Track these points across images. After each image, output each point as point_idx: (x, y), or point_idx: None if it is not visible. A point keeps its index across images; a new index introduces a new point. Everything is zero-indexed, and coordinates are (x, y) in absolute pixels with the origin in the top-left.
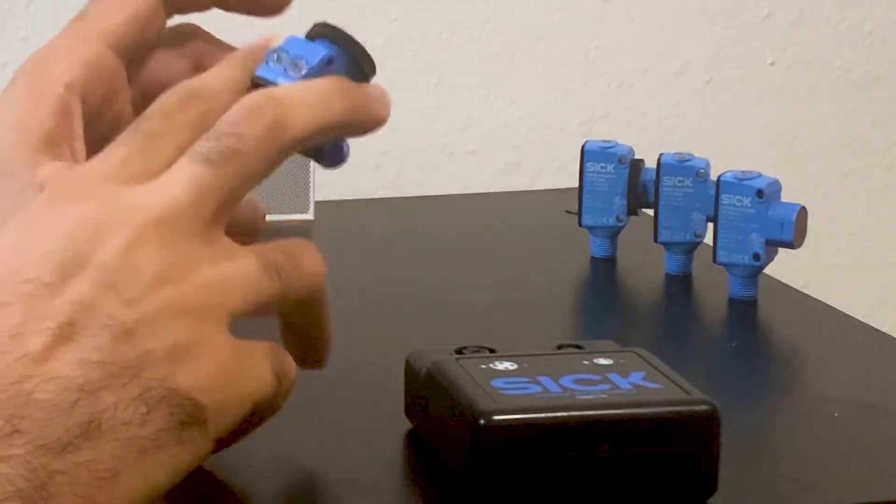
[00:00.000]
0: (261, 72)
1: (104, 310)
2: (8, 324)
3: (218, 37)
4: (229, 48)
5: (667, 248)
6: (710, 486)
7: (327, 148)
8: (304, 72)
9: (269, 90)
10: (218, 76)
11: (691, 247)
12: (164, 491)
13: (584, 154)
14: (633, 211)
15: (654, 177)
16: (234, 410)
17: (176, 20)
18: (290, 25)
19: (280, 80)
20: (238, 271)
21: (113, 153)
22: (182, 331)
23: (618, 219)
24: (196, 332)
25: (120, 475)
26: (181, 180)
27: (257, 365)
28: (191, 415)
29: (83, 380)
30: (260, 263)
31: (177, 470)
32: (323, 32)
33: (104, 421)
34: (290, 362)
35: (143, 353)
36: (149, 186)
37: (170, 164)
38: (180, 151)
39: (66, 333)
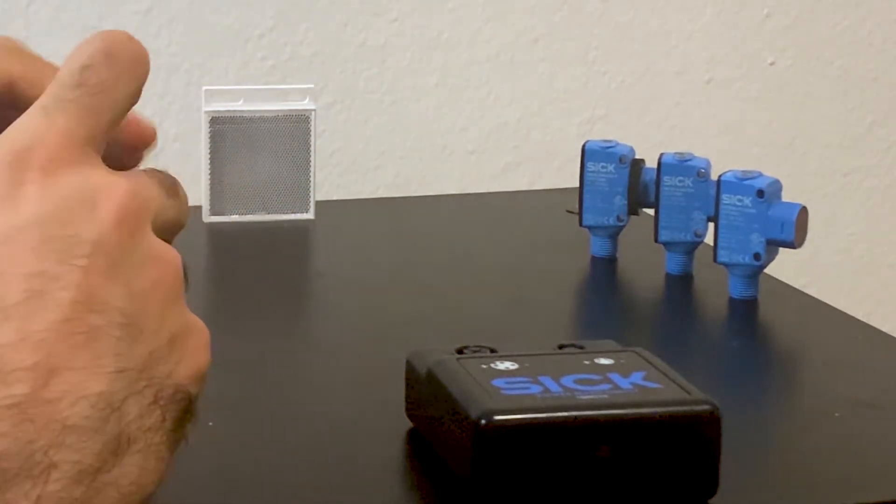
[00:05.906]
0: None
1: (112, 302)
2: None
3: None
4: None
5: (667, 248)
6: (711, 486)
7: None
8: None
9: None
10: None
11: (692, 247)
12: None
13: (585, 154)
14: (633, 211)
15: (654, 177)
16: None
17: None
18: (289, 24)
19: None
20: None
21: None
22: (173, 318)
23: (618, 218)
24: (180, 315)
25: (144, 487)
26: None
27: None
28: (187, 408)
29: (108, 393)
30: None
31: (174, 458)
32: None
33: (131, 434)
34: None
35: (152, 352)
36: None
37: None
38: None
39: (80, 335)
